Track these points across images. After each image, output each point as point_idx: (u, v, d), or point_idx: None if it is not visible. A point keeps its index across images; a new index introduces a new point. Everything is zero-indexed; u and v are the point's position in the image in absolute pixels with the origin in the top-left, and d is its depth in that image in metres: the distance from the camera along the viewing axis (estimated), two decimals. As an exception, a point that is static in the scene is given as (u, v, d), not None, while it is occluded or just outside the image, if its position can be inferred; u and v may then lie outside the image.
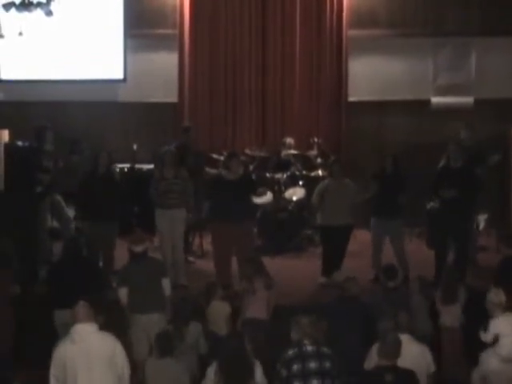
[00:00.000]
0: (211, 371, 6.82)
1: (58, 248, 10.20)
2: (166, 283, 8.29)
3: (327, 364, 6.69)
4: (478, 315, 8.21)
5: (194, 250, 11.50)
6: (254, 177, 11.61)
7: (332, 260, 10.21)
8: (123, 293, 8.21)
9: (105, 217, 9.98)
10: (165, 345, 7.34)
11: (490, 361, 7.56)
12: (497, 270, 9.11)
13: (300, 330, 6.88)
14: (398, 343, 6.62)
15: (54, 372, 6.77)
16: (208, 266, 10.71)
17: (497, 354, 7.55)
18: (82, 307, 6.87)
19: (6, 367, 8.04)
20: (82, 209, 10.35)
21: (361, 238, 11.13)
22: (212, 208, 10.06)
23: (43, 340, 8.16)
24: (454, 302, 8.55)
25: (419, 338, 7.44)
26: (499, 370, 7.49)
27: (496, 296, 7.78)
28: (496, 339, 7.58)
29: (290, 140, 12.65)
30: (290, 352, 6.76)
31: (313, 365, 6.67)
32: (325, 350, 6.79)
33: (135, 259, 8.36)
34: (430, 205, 10.51)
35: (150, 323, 7.97)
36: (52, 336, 8.07)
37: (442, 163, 10.52)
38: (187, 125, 12.21)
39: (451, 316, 8.53)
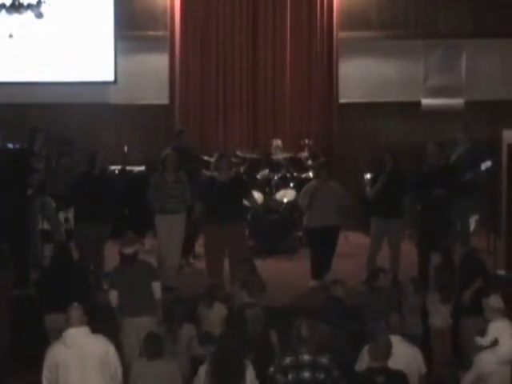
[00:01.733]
0: (202, 371, 6.87)
1: (48, 250, 10.17)
2: (157, 286, 8.29)
3: (321, 375, 6.72)
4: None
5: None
6: (245, 178, 11.60)
7: (321, 262, 10.21)
8: (113, 295, 8.22)
9: (99, 218, 9.94)
10: (154, 347, 7.22)
11: (486, 362, 7.45)
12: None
13: (299, 336, 6.85)
14: (389, 345, 6.64)
15: (46, 374, 6.82)
16: (200, 267, 10.69)
17: (495, 355, 7.47)
18: (75, 310, 6.90)
19: (2, 368, 8.05)
20: (75, 209, 10.31)
21: (354, 240, 11.12)
22: (205, 210, 10.04)
23: (38, 341, 8.13)
24: (448, 303, 8.57)
25: (410, 339, 7.45)
26: (496, 372, 7.44)
27: (496, 302, 7.78)
28: (496, 342, 7.55)
29: (277, 142, 12.62)
30: (287, 360, 6.77)
31: (307, 375, 6.70)
32: (322, 360, 6.78)
33: (125, 261, 8.35)
34: (420, 206, 10.49)
35: (141, 326, 7.95)
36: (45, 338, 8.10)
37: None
38: (181, 128, 12.18)
39: (441, 317, 8.54)
